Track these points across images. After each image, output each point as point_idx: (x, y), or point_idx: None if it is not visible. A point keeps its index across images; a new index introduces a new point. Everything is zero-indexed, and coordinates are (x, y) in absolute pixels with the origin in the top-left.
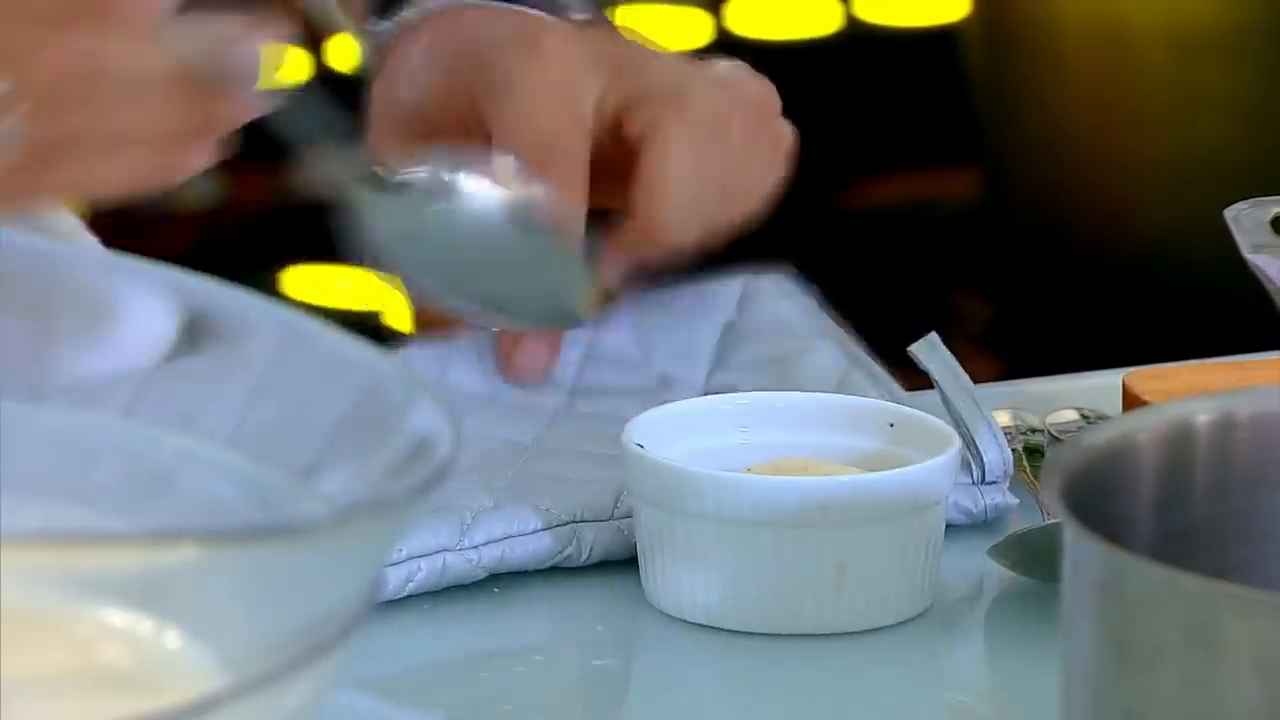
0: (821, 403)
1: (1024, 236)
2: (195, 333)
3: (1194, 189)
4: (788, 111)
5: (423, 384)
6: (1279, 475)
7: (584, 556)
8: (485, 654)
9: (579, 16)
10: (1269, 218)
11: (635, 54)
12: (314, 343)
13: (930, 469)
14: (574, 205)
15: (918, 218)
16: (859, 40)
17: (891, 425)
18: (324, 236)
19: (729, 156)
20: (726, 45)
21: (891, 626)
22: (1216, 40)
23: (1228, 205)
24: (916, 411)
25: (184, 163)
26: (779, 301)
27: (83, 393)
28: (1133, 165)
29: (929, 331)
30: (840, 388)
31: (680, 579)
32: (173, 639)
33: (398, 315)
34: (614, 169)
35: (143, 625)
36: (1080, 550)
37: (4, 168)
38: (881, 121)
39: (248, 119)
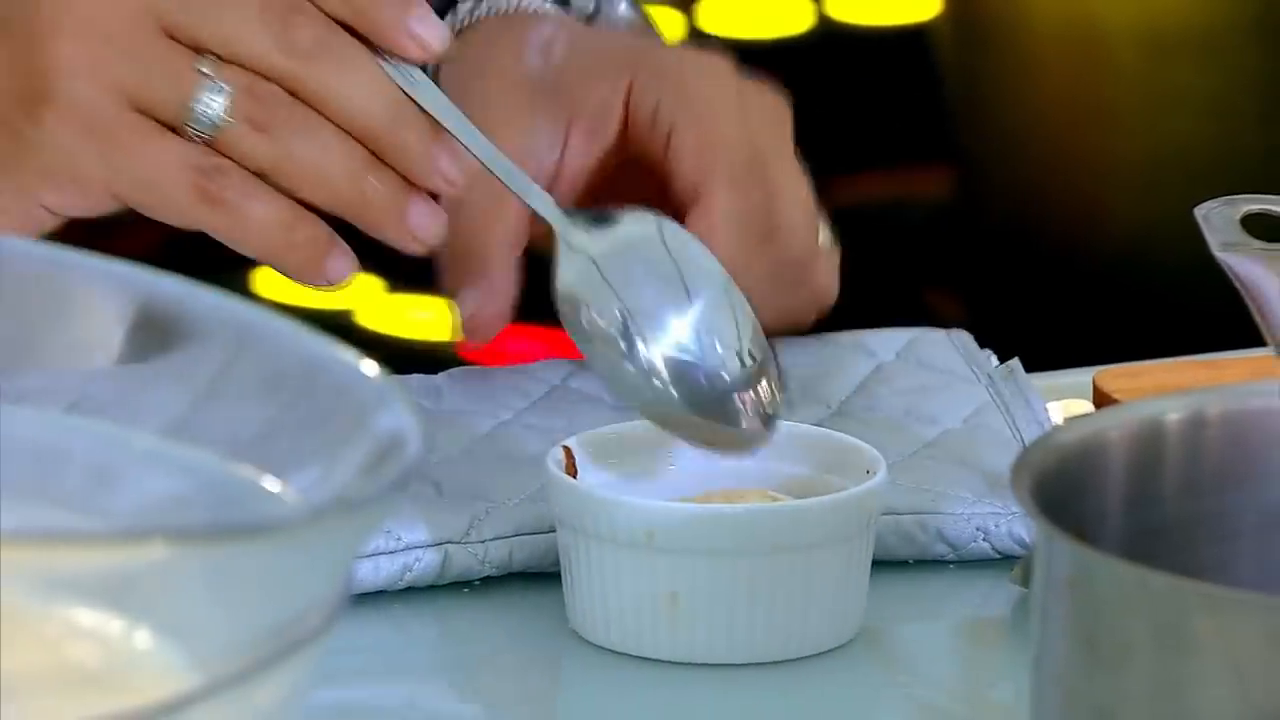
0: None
1: (996, 235)
2: (160, 330)
3: (1165, 187)
4: None
5: (390, 383)
6: (1249, 473)
7: None
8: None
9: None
10: (1239, 216)
11: (775, 131)
12: (282, 341)
13: (857, 495)
14: (752, 233)
15: (890, 216)
16: (831, 39)
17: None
18: None
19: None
20: (698, 44)
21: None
22: (1188, 39)
23: (1199, 204)
24: (852, 439)
25: (328, 262)
26: (944, 350)
27: (48, 392)
28: (1104, 164)
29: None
30: (964, 421)
31: (591, 601)
32: (143, 638)
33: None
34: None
35: (112, 625)
36: (1050, 549)
37: (183, 162)
38: (853, 120)
39: (429, 240)
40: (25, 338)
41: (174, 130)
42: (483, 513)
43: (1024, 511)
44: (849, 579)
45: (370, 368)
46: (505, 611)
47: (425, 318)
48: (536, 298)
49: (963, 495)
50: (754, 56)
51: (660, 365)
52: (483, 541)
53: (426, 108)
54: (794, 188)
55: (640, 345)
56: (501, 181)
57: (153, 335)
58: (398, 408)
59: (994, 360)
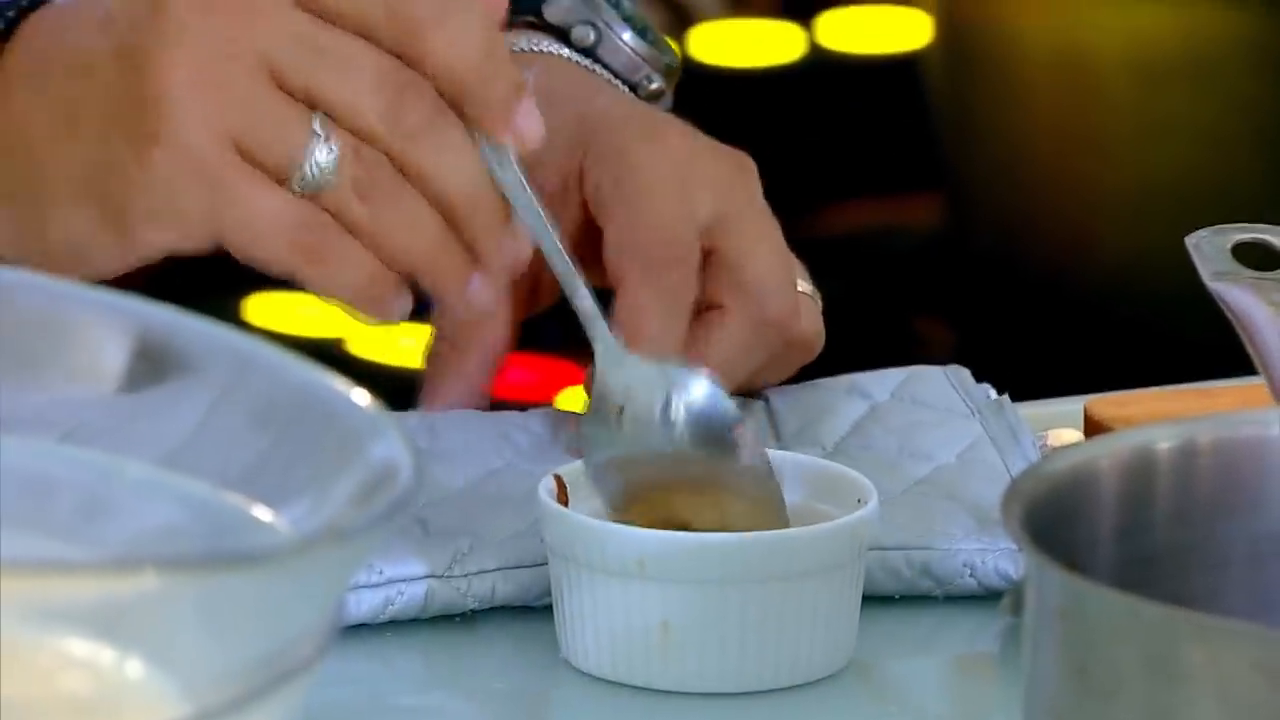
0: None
1: (986, 263)
2: (154, 361)
3: (1156, 216)
4: (751, 140)
5: (383, 413)
6: (1240, 502)
7: None
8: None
9: (654, 87)
10: (1230, 245)
11: (740, 192)
12: (274, 370)
13: (848, 524)
14: (687, 308)
15: (880, 244)
16: (821, 68)
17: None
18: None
19: (764, 359)
20: (690, 72)
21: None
22: (1179, 67)
23: (1189, 232)
24: (842, 468)
25: (392, 305)
26: (940, 386)
27: (38, 422)
28: (1095, 192)
29: (896, 358)
30: (958, 457)
31: (583, 631)
32: (134, 668)
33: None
34: None
35: (104, 654)
36: (1041, 577)
37: (284, 214)
38: (844, 149)
39: (483, 308)
40: (21, 366)
41: (279, 180)
42: (466, 547)
43: (1014, 541)
44: (840, 607)
45: (363, 397)
46: (494, 643)
47: (416, 346)
48: (534, 326)
49: (950, 531)
50: (745, 85)
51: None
52: (465, 575)
53: (507, 194)
54: (762, 249)
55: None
56: (557, 275)
57: (147, 365)
58: (391, 437)
59: (992, 394)
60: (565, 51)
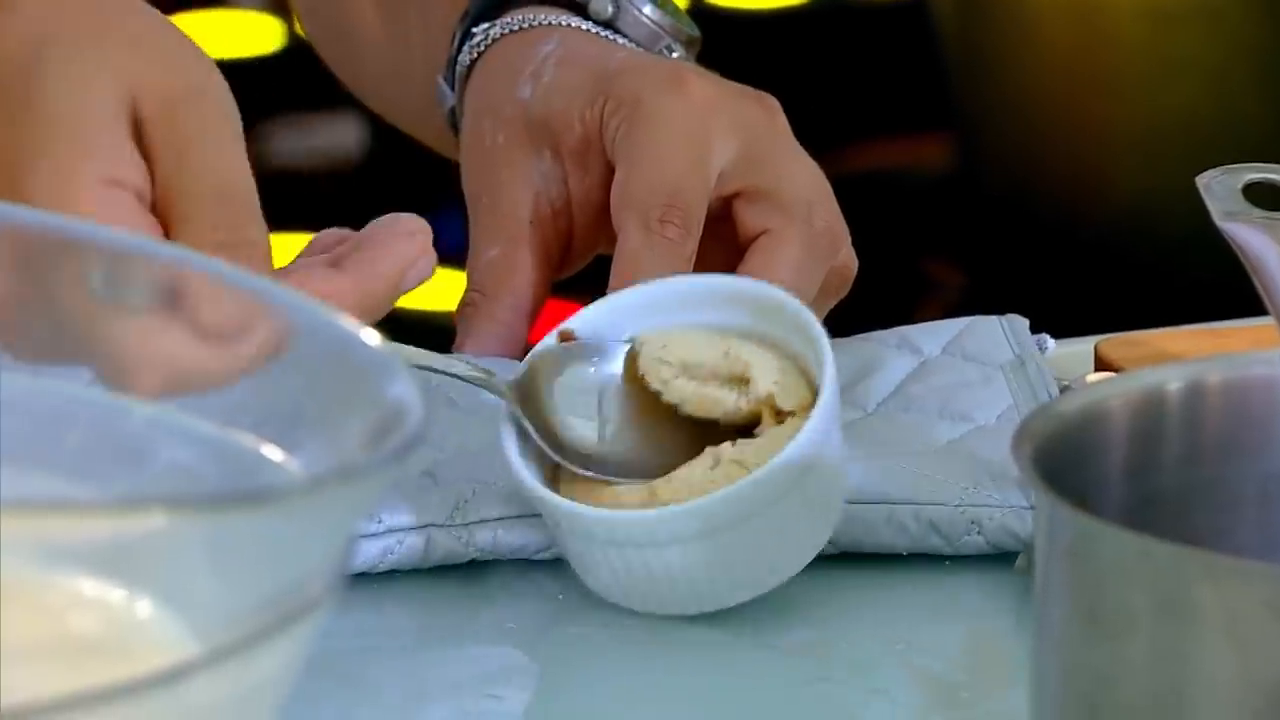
0: (692, 285)
1: (997, 204)
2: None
3: (1167, 157)
4: (761, 82)
5: (393, 354)
6: (1250, 442)
7: None
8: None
9: (674, 58)
10: (1241, 185)
11: (766, 131)
12: (284, 312)
13: (781, 463)
14: (683, 262)
15: (891, 186)
16: (831, 8)
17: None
18: (300, 205)
19: (824, 274)
20: (701, 14)
21: (856, 594)
22: (1189, 8)
23: (1200, 173)
24: (774, 291)
25: None
26: (994, 340)
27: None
28: (1106, 133)
29: (907, 300)
30: (998, 418)
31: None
32: (144, 608)
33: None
34: (703, 236)
35: (113, 594)
36: (1052, 517)
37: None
38: (854, 90)
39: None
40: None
41: None
42: (469, 493)
43: (1024, 479)
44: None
45: (373, 337)
46: (474, 597)
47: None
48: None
49: (962, 486)
50: (755, 26)
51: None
52: (466, 524)
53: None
54: (797, 169)
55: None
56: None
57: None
58: (402, 378)
59: (1050, 344)
60: (585, 25)
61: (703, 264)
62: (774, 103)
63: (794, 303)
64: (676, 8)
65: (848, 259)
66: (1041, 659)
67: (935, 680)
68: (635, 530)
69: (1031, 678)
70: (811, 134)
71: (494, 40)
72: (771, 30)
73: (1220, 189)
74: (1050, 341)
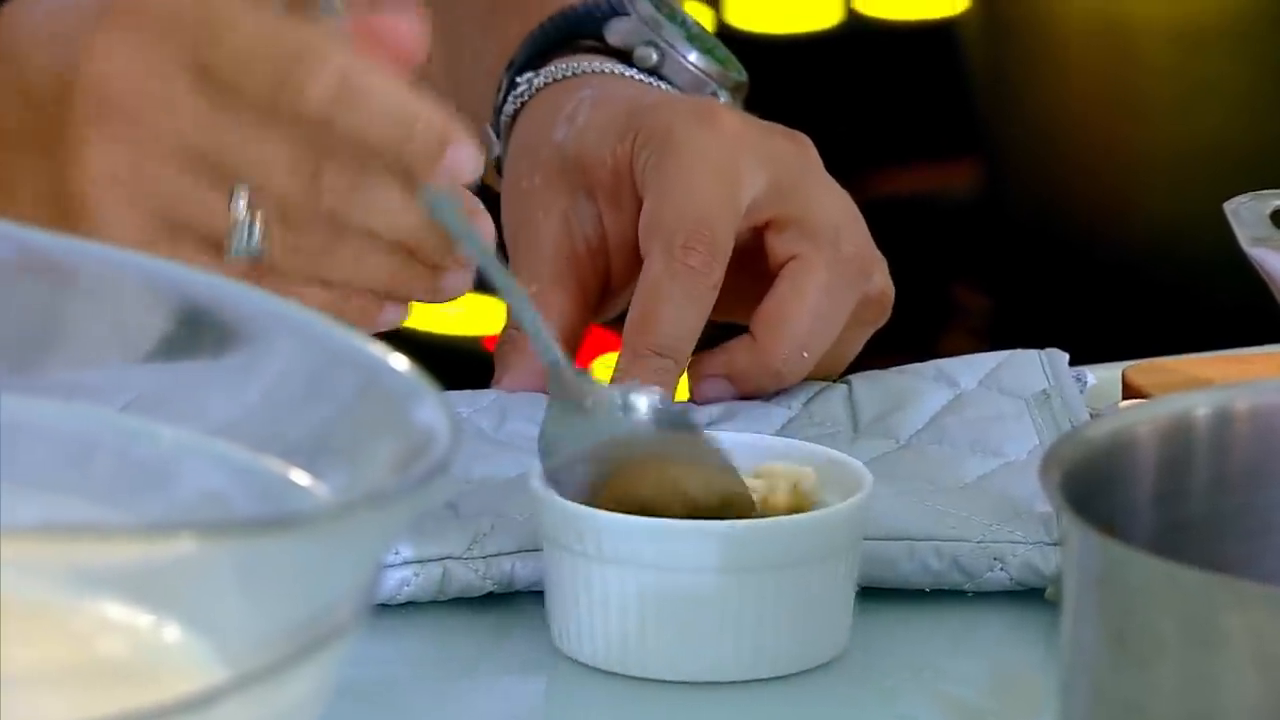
0: (754, 443)
1: (1024, 229)
2: (196, 327)
3: (1195, 182)
4: (788, 107)
5: (422, 380)
6: (1278, 468)
7: None
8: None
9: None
10: (1269, 211)
11: (796, 162)
12: (313, 337)
13: (839, 512)
14: (706, 291)
15: (917, 211)
16: (859, 34)
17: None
18: None
19: (854, 300)
20: (725, 39)
21: (882, 621)
22: (1218, 32)
23: (1228, 198)
24: (842, 455)
25: (379, 316)
26: (1032, 373)
27: (81, 387)
28: (1133, 158)
29: (934, 326)
30: (1029, 454)
31: (572, 617)
32: (172, 632)
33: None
34: (734, 268)
35: (141, 619)
36: (1080, 544)
37: (226, 273)
38: (881, 115)
39: (460, 295)
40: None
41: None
42: (488, 527)
43: (1052, 506)
44: (834, 596)
45: (402, 362)
46: (491, 628)
47: (452, 312)
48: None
49: (985, 524)
50: (782, 51)
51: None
52: (484, 557)
53: (449, 230)
54: (827, 199)
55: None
56: (502, 294)
57: (194, 333)
58: (431, 403)
59: (1090, 379)
60: (629, 72)
61: (734, 296)
62: (806, 139)
63: (856, 462)
64: (726, 53)
65: (884, 286)
66: (1070, 685)
67: (963, 707)
68: (698, 544)
69: (1060, 704)
70: (838, 159)
71: (537, 90)
72: (798, 55)
73: (1248, 214)
74: (1090, 376)
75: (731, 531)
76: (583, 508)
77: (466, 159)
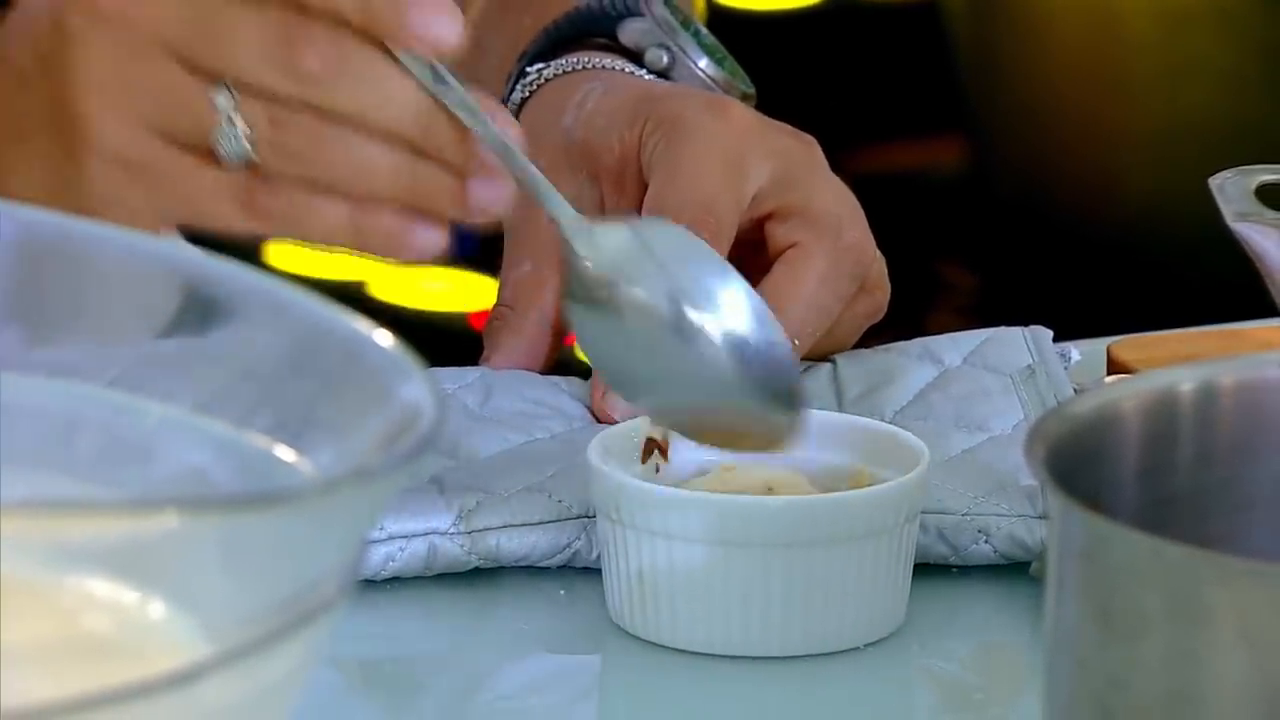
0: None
1: (1009, 206)
2: (181, 303)
3: (1180, 158)
4: (772, 84)
5: (406, 356)
6: (1263, 443)
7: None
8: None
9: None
10: (1254, 187)
11: (802, 158)
12: (297, 313)
13: (894, 489)
14: None
15: (903, 188)
16: (844, 10)
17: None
18: None
19: (851, 291)
20: (713, 15)
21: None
22: (1202, 9)
23: (1213, 174)
24: (894, 428)
25: (411, 239)
26: (1016, 351)
27: (65, 363)
28: (1119, 134)
29: (919, 303)
30: (1014, 428)
31: (627, 591)
32: (157, 609)
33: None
34: (735, 259)
35: (126, 595)
36: (1064, 519)
37: (226, 184)
38: (866, 92)
39: (498, 210)
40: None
41: (209, 156)
42: (473, 503)
43: (1037, 481)
44: (887, 572)
45: (386, 339)
46: (477, 604)
47: (438, 289)
48: None
49: (969, 495)
50: (768, 28)
51: (720, 344)
52: (470, 532)
53: (453, 110)
54: (829, 190)
55: (698, 323)
56: (524, 185)
57: (187, 312)
58: (415, 379)
59: (1074, 355)
60: (639, 71)
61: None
62: (811, 139)
63: (906, 434)
64: (734, 64)
65: (879, 282)
66: (1054, 661)
67: (947, 682)
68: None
69: (1044, 679)
70: (824, 136)
71: (547, 80)
72: (784, 32)
73: (1233, 190)
74: (1075, 352)
75: (785, 506)
76: (632, 480)
77: (441, 24)
